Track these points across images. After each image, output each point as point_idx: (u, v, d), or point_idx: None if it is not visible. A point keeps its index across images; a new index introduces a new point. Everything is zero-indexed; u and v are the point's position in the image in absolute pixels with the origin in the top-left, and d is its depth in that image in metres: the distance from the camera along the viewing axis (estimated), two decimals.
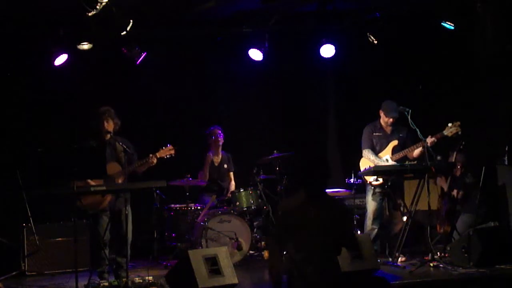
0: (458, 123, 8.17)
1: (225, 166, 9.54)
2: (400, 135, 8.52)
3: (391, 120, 8.48)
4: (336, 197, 9.38)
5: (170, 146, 7.72)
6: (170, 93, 9.85)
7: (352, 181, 8.97)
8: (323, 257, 5.19)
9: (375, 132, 8.59)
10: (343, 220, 5.35)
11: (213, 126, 9.47)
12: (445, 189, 8.60)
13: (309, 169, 5.22)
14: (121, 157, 7.50)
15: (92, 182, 7.27)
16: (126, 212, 7.34)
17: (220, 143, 9.47)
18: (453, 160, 8.45)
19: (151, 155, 7.60)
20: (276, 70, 10.07)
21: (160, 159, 7.67)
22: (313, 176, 5.21)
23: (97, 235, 7.47)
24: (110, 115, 7.51)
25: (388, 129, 8.57)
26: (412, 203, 8.18)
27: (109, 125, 7.51)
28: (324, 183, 5.28)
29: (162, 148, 7.70)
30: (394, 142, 8.53)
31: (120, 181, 7.43)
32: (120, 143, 7.45)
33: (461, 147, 8.38)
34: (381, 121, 8.57)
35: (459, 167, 8.72)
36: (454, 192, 8.60)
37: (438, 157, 8.00)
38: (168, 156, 7.71)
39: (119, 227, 7.52)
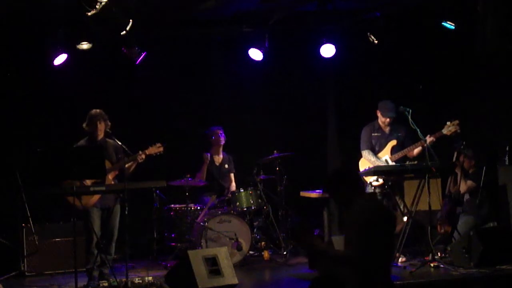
0: (457, 121, 8.16)
1: (226, 166, 9.52)
2: (399, 134, 8.50)
3: (388, 120, 8.45)
4: None
5: (159, 144, 7.79)
6: (169, 93, 9.84)
7: None
8: None
9: (374, 133, 8.57)
10: None
11: (214, 126, 9.46)
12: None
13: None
14: (112, 156, 7.68)
15: (88, 182, 7.32)
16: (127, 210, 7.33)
17: (221, 143, 9.46)
18: (454, 160, 8.44)
19: (140, 151, 7.67)
20: (276, 70, 10.05)
21: (149, 157, 7.71)
22: None
23: (88, 231, 7.49)
24: (102, 117, 7.71)
25: (387, 129, 8.54)
26: (412, 203, 8.17)
27: (101, 127, 7.69)
28: None
29: (151, 146, 7.74)
30: (393, 142, 8.50)
31: (110, 177, 7.54)
32: (120, 143, 7.52)
33: (462, 147, 8.38)
34: (379, 121, 8.55)
35: (472, 163, 8.71)
36: (471, 186, 8.59)
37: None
38: (156, 153, 7.76)
39: (107, 224, 7.59)
